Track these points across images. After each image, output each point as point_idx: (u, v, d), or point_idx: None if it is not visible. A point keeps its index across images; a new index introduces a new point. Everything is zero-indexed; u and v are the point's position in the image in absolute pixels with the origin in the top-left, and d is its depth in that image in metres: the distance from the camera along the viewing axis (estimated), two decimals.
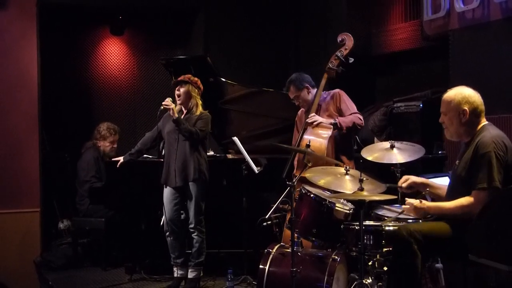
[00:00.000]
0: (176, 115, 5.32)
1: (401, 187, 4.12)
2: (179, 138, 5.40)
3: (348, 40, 5.18)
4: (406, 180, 4.10)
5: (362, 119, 5.14)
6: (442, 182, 4.82)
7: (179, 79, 5.51)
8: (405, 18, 6.72)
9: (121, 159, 5.84)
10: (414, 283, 3.67)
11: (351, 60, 5.14)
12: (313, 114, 5.10)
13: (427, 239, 3.66)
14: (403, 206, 3.96)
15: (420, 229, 3.69)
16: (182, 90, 5.45)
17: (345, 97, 5.20)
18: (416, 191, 4.13)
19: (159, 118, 5.53)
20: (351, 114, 5.11)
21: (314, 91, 5.26)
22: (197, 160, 5.40)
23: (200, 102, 5.51)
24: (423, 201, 3.84)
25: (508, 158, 3.65)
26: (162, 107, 5.36)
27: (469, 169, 3.71)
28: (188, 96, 5.45)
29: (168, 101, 5.35)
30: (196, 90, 5.48)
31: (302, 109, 5.40)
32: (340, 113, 5.16)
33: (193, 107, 5.47)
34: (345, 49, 5.16)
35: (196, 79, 5.51)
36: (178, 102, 5.46)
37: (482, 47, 5.30)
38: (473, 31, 5.36)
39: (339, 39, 5.21)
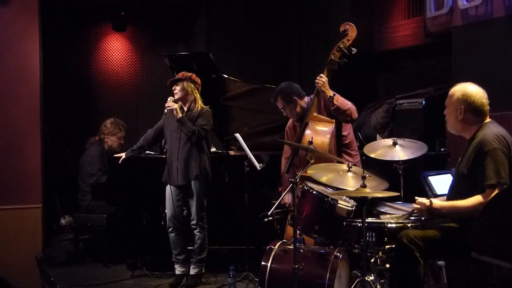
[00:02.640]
0: (180, 115, 5.33)
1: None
2: (182, 137, 5.40)
3: (350, 30, 4.91)
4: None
5: (357, 113, 4.95)
6: (445, 179, 4.83)
7: (172, 79, 5.52)
8: (408, 15, 6.72)
9: (123, 155, 5.86)
10: None
11: (354, 50, 4.89)
12: (321, 75, 4.88)
13: (428, 244, 3.65)
14: (414, 205, 3.91)
15: (421, 235, 3.67)
16: (177, 88, 5.45)
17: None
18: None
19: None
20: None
21: (304, 100, 5.13)
22: (200, 157, 5.40)
23: (198, 96, 5.49)
24: (435, 201, 3.79)
25: (511, 155, 3.64)
26: (166, 110, 5.39)
27: (471, 167, 3.70)
28: (184, 92, 5.44)
29: (170, 103, 5.38)
30: (192, 85, 5.45)
31: (290, 120, 5.28)
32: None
33: (192, 103, 5.47)
34: (348, 40, 4.90)
35: (190, 74, 5.47)
36: (176, 98, 5.47)
37: (485, 44, 5.29)
38: (476, 28, 5.35)
39: (341, 29, 4.94)
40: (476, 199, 3.62)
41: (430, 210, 3.77)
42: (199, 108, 5.46)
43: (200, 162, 5.40)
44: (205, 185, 5.45)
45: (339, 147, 5.06)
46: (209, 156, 5.54)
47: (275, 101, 5.17)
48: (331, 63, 4.94)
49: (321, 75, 4.92)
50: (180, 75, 5.47)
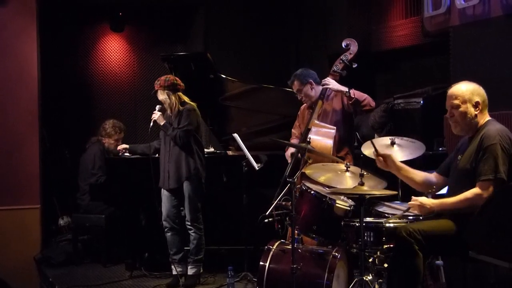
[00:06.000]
0: (162, 123, 5.42)
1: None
2: (170, 140, 5.43)
3: (353, 46, 5.18)
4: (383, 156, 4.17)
5: (373, 102, 5.06)
6: None
7: (152, 92, 5.54)
8: (406, 14, 6.72)
9: (126, 146, 6.03)
10: (416, 284, 3.66)
11: (355, 65, 5.14)
12: (328, 78, 5.07)
13: (427, 238, 3.65)
14: (409, 204, 3.93)
15: (420, 229, 3.68)
16: (160, 98, 5.49)
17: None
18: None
19: (151, 132, 5.54)
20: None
21: (318, 88, 5.21)
22: (190, 158, 5.40)
23: (176, 99, 5.44)
24: (426, 199, 3.81)
25: None
26: (151, 124, 5.44)
27: (473, 162, 3.70)
28: (165, 101, 5.48)
29: (154, 113, 5.44)
30: (169, 92, 5.43)
31: (304, 104, 5.38)
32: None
33: (169, 109, 5.49)
34: (350, 53, 5.16)
35: (163, 81, 5.42)
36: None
37: (482, 43, 5.29)
38: (473, 27, 5.36)
39: (344, 44, 5.21)
40: (465, 195, 3.65)
41: (423, 208, 3.80)
42: (177, 109, 5.46)
43: (190, 164, 5.39)
44: (198, 186, 5.44)
45: (337, 148, 5.08)
46: (201, 155, 5.51)
47: (291, 84, 5.29)
48: (333, 74, 5.15)
49: (327, 78, 5.09)
50: (155, 85, 5.48)
